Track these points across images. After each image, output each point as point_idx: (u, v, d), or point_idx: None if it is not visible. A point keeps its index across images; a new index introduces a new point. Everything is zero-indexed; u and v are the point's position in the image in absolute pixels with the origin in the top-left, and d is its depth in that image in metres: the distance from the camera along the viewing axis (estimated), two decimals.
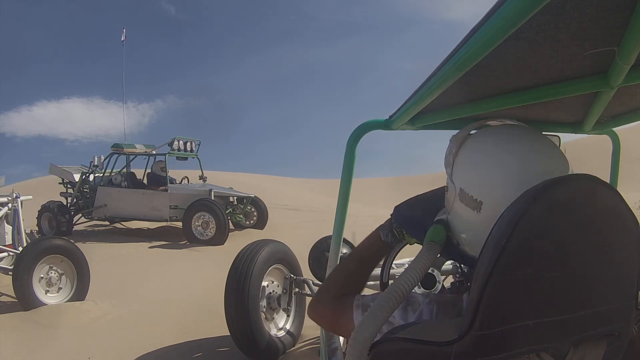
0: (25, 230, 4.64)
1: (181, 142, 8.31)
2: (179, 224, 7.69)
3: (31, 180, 24.37)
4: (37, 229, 7.67)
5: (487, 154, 0.69)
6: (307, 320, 3.14)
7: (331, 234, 1.44)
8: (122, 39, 11.35)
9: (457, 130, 1.08)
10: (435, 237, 0.77)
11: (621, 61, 0.62)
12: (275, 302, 2.95)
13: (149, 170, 8.44)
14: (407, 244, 1.47)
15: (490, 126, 0.79)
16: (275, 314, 2.99)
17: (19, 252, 4.13)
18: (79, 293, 4.22)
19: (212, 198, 7.54)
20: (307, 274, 3.00)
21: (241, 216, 8.11)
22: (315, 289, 2.41)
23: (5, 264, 4.23)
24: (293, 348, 3.01)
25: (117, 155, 8.29)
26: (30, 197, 5.05)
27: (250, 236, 6.89)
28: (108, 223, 8.72)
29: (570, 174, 0.54)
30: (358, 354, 0.61)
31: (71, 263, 4.20)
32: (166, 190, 7.82)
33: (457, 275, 1.73)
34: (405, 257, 2.43)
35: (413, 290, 0.71)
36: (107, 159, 8.43)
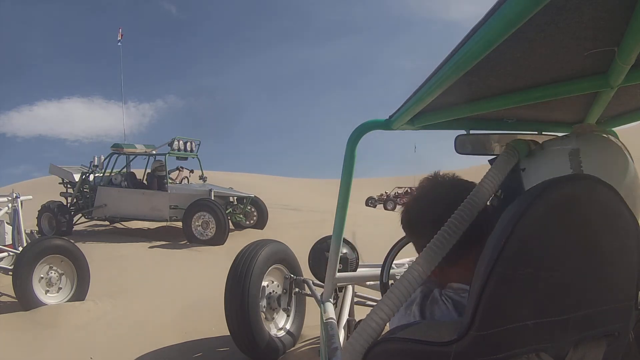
0: (25, 230, 4.64)
1: (181, 142, 8.31)
2: (179, 224, 7.69)
3: (31, 180, 24.38)
4: (37, 229, 7.67)
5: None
6: (307, 320, 3.14)
7: (331, 234, 1.44)
8: (118, 39, 11.38)
9: (457, 131, 1.08)
10: (518, 145, 0.79)
11: (621, 61, 0.62)
12: (275, 302, 2.95)
13: (149, 170, 8.44)
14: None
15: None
16: (275, 314, 2.99)
17: (19, 252, 4.13)
18: (79, 293, 4.22)
19: (212, 198, 7.54)
20: (307, 274, 3.00)
21: (241, 216, 8.10)
22: (315, 289, 2.41)
23: (5, 264, 4.23)
24: (293, 348, 3.01)
25: (117, 155, 8.28)
26: (30, 197, 5.05)
27: (250, 236, 6.89)
28: (108, 223, 8.72)
29: (570, 174, 0.54)
30: (358, 349, 0.62)
31: (71, 263, 4.20)
32: (166, 190, 7.84)
33: None
34: (406, 257, 2.43)
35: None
36: (107, 159, 8.42)
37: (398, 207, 19.67)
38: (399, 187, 22.99)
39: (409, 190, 21.01)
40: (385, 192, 22.54)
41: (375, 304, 2.60)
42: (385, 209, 19.86)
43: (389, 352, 0.61)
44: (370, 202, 21.34)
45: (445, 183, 0.81)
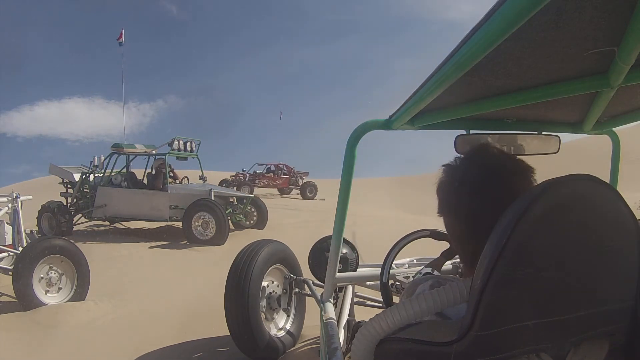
0: (25, 230, 4.64)
1: (181, 142, 8.33)
2: (179, 224, 7.69)
3: (31, 180, 24.39)
4: (37, 229, 7.67)
5: None
6: (307, 320, 3.14)
7: (331, 234, 1.44)
8: (120, 40, 11.42)
9: (457, 131, 1.08)
10: None
11: (621, 61, 0.62)
12: (275, 302, 2.95)
13: (149, 170, 8.44)
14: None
15: None
16: (275, 314, 2.99)
17: (19, 252, 4.13)
18: (79, 293, 4.22)
19: (212, 198, 7.55)
20: (307, 274, 3.00)
21: (241, 216, 8.11)
22: (315, 289, 2.41)
23: (5, 264, 4.23)
24: (293, 348, 3.01)
25: (117, 155, 8.29)
26: (30, 197, 5.05)
27: (250, 236, 6.89)
28: (108, 223, 8.73)
29: (570, 175, 0.54)
30: (364, 350, 0.62)
31: (71, 263, 4.20)
32: (166, 189, 7.85)
33: (457, 276, 1.73)
34: (406, 257, 2.42)
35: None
36: (107, 159, 8.44)
37: (258, 190, 15.33)
38: (259, 164, 17.32)
39: (272, 168, 17.04)
40: (243, 170, 16.95)
41: (375, 304, 2.61)
42: None
43: (390, 352, 0.61)
44: (224, 185, 14.74)
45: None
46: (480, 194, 0.68)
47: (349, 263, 1.95)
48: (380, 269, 1.51)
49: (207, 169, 9.21)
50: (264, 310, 2.86)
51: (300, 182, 16.84)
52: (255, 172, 16.98)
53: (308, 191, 16.35)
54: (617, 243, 0.56)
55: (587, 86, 0.76)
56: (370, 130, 1.13)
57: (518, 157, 0.74)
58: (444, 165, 0.75)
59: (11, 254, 4.30)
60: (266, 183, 16.54)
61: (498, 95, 0.86)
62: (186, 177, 8.72)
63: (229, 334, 2.78)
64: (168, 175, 8.06)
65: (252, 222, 8.40)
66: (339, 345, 1.26)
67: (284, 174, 16.95)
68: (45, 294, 4.03)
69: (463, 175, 0.71)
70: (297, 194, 16.60)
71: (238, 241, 6.79)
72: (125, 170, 8.41)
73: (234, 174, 16.85)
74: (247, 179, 16.09)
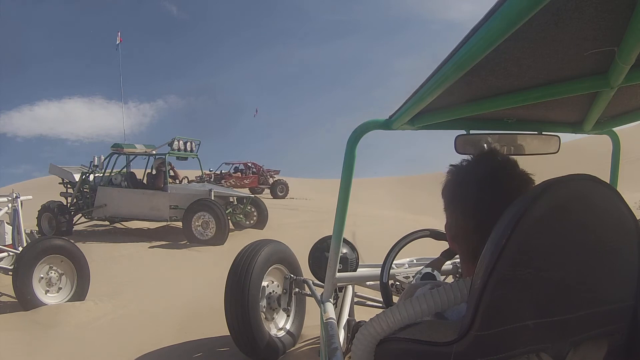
0: (25, 230, 4.64)
1: (181, 142, 8.33)
2: (179, 224, 7.70)
3: (31, 180, 24.40)
4: (37, 229, 7.67)
5: None
6: (307, 320, 3.14)
7: (331, 234, 1.44)
8: (117, 42, 11.48)
9: (457, 131, 1.08)
10: None
11: (621, 61, 0.62)
12: (275, 302, 2.95)
13: (149, 170, 8.45)
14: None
15: None
16: (275, 314, 2.98)
17: (19, 252, 4.13)
18: (79, 293, 4.22)
19: (212, 198, 7.55)
20: (307, 274, 3.00)
21: (241, 216, 8.11)
22: (315, 289, 2.41)
23: (5, 264, 4.23)
24: (293, 348, 3.01)
25: (117, 155, 8.30)
26: (30, 197, 5.05)
27: (250, 236, 6.89)
28: (108, 223, 8.73)
29: (570, 175, 0.54)
30: (364, 350, 0.62)
31: (71, 263, 4.20)
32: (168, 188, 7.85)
33: (457, 276, 1.73)
34: (406, 257, 2.42)
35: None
36: (107, 159, 8.44)
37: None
38: (226, 162, 16.69)
39: (240, 167, 16.47)
40: (210, 170, 15.91)
41: (375, 304, 2.61)
42: None
43: (390, 351, 0.61)
44: None
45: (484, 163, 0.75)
46: (486, 192, 0.70)
47: (349, 263, 1.95)
48: (380, 269, 1.51)
49: (207, 168, 9.22)
50: (264, 310, 2.86)
51: (271, 181, 16.11)
52: (222, 172, 16.15)
53: (279, 190, 15.67)
54: (617, 243, 0.56)
55: (587, 86, 0.76)
56: (370, 130, 1.13)
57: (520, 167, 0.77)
58: (451, 165, 0.78)
59: (11, 254, 4.30)
60: (233, 183, 15.29)
61: (498, 95, 0.86)
62: (186, 177, 8.73)
63: (229, 334, 2.78)
64: (168, 174, 8.06)
65: (252, 222, 8.40)
66: (339, 345, 1.26)
67: (253, 173, 16.20)
68: (45, 293, 4.03)
69: (470, 173, 0.74)
70: (269, 193, 15.86)
71: (238, 241, 6.79)
72: (125, 170, 8.41)
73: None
74: (212, 179, 14.71)
